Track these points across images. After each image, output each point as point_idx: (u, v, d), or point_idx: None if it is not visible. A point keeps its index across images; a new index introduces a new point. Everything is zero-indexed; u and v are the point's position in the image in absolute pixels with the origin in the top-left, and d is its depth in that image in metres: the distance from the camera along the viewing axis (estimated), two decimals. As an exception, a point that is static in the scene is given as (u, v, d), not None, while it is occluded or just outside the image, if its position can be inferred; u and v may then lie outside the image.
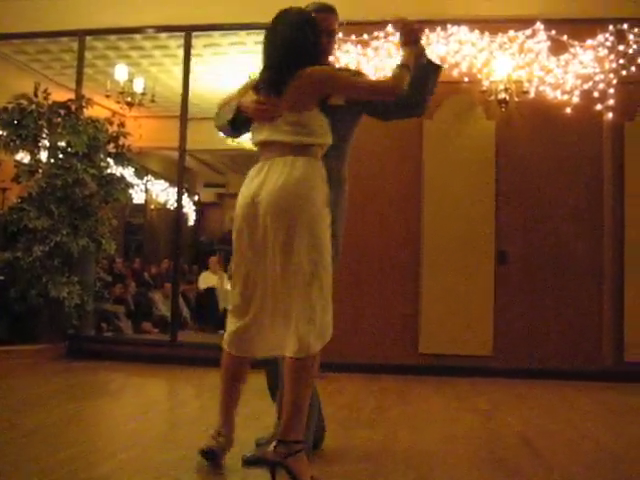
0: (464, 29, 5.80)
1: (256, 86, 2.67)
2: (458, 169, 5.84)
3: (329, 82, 2.63)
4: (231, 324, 2.67)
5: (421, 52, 2.76)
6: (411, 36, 2.72)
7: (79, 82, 6.65)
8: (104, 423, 3.77)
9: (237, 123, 2.70)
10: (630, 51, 5.64)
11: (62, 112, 6.09)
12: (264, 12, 6.07)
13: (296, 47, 2.58)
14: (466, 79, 5.76)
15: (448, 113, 5.89)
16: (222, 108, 2.81)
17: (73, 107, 6.15)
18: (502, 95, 5.74)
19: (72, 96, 6.43)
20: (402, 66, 2.63)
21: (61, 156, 5.97)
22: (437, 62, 2.89)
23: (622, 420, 4.02)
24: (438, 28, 5.80)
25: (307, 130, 2.55)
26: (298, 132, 2.54)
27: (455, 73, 5.71)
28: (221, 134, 3.02)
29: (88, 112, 6.29)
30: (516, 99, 5.74)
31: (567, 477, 2.66)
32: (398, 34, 2.80)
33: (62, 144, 5.97)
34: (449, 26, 5.81)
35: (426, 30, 5.59)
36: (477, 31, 5.80)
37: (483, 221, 5.82)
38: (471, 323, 5.73)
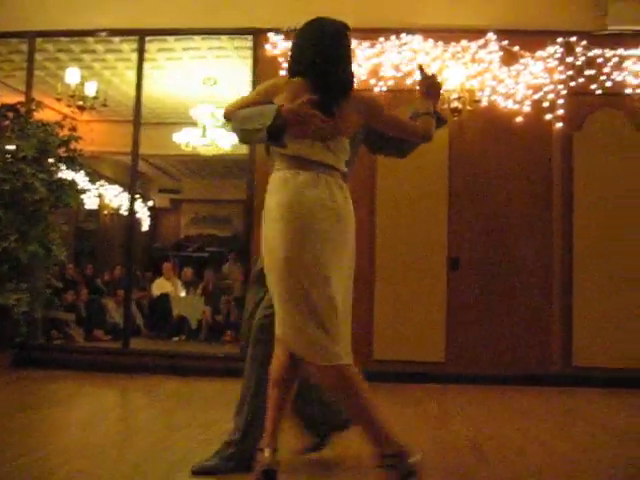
0: (418, 38, 5.88)
1: (293, 95, 2.53)
2: (411, 176, 5.88)
3: (377, 114, 2.66)
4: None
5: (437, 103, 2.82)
6: (436, 89, 2.78)
7: (29, 85, 6.51)
8: (55, 432, 3.70)
9: (274, 129, 2.45)
10: (578, 63, 5.78)
11: (11, 115, 5.96)
12: (219, 18, 6.16)
13: (346, 63, 2.63)
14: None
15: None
16: (243, 113, 2.60)
17: (22, 110, 6.02)
18: (455, 104, 5.82)
19: (22, 99, 6.30)
20: (429, 114, 2.70)
21: (10, 160, 5.83)
22: (444, 117, 2.94)
23: (571, 424, 4.09)
24: (393, 37, 5.87)
25: (335, 155, 2.54)
26: (330, 155, 2.53)
27: (409, 82, 5.77)
28: (235, 139, 2.81)
29: (38, 115, 6.16)
30: (469, 108, 5.82)
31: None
32: (421, 83, 2.82)
33: (10, 148, 5.83)
34: (403, 35, 5.87)
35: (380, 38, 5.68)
36: (431, 40, 5.88)
37: (436, 227, 5.88)
38: (424, 329, 5.79)
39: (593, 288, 5.76)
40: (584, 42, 5.78)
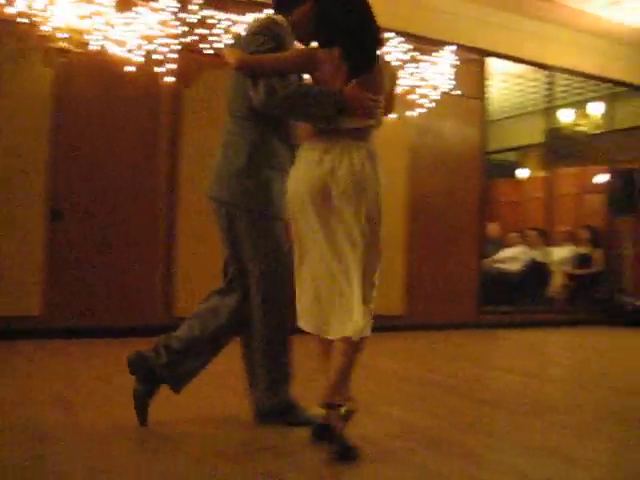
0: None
1: (335, 68, 2.58)
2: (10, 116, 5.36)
3: (394, 82, 2.84)
4: None
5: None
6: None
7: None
8: None
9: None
10: (192, 20, 5.78)
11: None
12: None
13: (376, 28, 2.66)
14: (25, 20, 5.23)
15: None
16: (298, 90, 2.59)
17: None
18: (62, 43, 5.38)
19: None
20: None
21: None
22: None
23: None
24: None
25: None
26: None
27: (14, 11, 5.14)
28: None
29: None
30: (77, 50, 5.44)
31: None
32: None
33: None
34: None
35: None
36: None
37: (36, 177, 5.48)
38: (18, 281, 5.44)
39: (193, 238, 5.99)
40: (200, 0, 5.79)
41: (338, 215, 2.56)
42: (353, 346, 2.51)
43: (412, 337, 6.51)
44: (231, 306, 2.90)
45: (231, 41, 3.12)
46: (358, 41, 2.61)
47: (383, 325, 6.65)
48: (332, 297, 2.58)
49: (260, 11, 6.04)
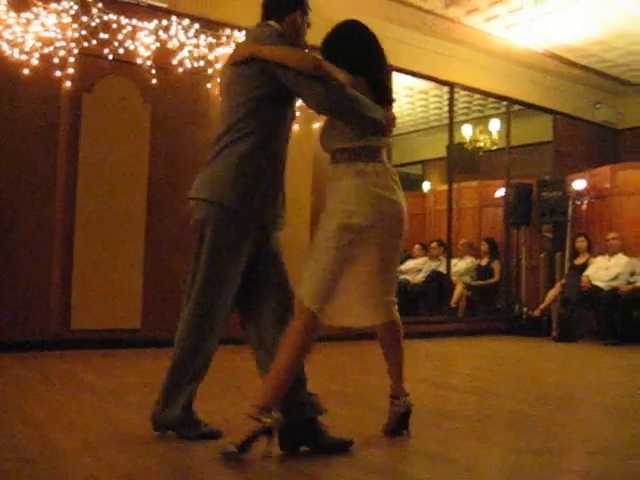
0: None
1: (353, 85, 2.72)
2: None
3: None
4: None
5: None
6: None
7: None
8: None
9: None
10: (93, 24, 5.64)
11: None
12: None
13: None
14: None
15: None
16: (361, 98, 2.71)
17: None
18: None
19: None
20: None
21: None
22: None
23: (45, 390, 4.07)
24: None
25: None
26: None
27: None
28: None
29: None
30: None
31: None
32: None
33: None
34: None
35: None
36: None
37: None
38: None
39: (93, 252, 5.83)
40: (100, 4, 5.66)
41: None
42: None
43: (320, 348, 6.51)
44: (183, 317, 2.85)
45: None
46: (382, 76, 2.88)
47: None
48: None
49: (166, 17, 6.00)
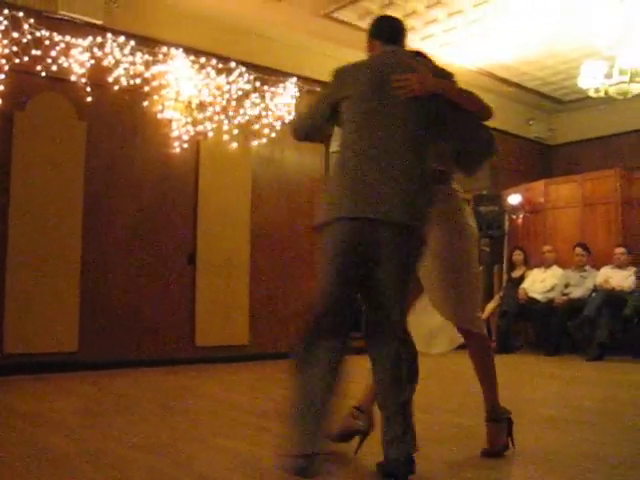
0: None
1: None
2: None
3: None
4: None
5: None
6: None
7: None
8: None
9: None
10: (24, 40, 5.52)
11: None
12: None
13: None
14: None
15: None
16: None
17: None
18: None
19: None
20: None
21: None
22: None
23: None
24: None
25: None
26: None
27: None
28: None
29: None
30: None
31: None
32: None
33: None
34: None
35: None
36: None
37: None
38: None
39: (26, 274, 5.66)
40: (32, 20, 5.55)
41: None
42: None
43: (256, 367, 6.48)
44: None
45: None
46: None
47: (227, 355, 6.64)
48: None
49: (100, 34, 5.92)
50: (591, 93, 7.19)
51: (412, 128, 2.61)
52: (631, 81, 6.85)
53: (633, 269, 7.81)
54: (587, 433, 3.55)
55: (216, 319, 6.69)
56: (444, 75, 2.79)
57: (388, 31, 2.87)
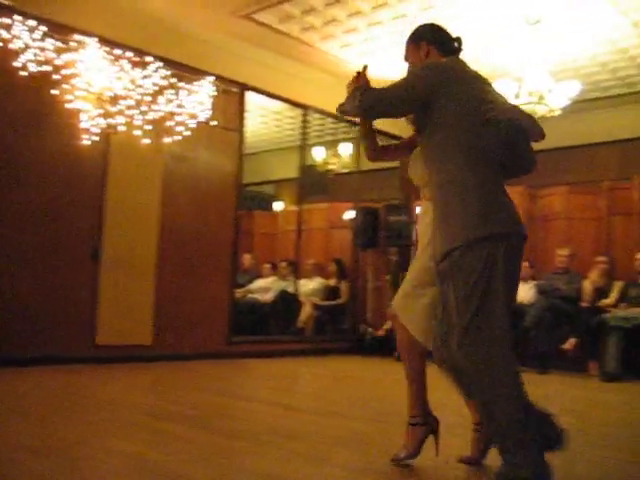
0: None
1: None
2: None
3: None
4: None
5: None
6: None
7: None
8: None
9: None
10: None
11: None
12: None
13: None
14: None
15: None
16: None
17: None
18: None
19: None
20: None
21: None
22: None
23: None
24: None
25: None
26: None
27: None
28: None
29: None
30: None
31: None
32: None
33: None
34: None
35: None
36: None
37: None
38: None
39: None
40: None
41: None
42: None
43: (159, 368, 6.35)
44: None
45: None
46: None
47: (130, 355, 6.47)
48: None
49: (8, 16, 5.67)
50: (502, 111, 7.40)
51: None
52: (539, 102, 7.12)
53: (533, 282, 8.10)
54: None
55: (119, 317, 6.51)
56: None
57: (447, 41, 2.94)
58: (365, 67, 3.01)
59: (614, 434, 4.07)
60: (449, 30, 3.02)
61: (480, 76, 2.79)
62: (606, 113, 9.24)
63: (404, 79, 2.82)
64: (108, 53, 6.32)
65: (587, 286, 7.67)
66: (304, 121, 8.82)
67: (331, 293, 9.57)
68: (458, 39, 2.94)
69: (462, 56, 2.93)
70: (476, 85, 2.71)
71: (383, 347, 8.86)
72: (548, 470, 2.38)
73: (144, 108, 6.56)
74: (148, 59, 6.57)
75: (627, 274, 7.73)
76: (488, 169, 2.59)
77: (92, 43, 6.20)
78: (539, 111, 7.11)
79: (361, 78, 2.93)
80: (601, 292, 7.64)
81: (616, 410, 5.18)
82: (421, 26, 3.03)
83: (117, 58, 6.38)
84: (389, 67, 8.66)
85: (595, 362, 7.26)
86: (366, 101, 2.76)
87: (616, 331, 7.03)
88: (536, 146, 2.69)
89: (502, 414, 2.41)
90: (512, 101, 7.23)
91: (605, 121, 9.23)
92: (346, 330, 9.49)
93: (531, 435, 2.38)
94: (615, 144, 9.24)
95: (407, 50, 3.03)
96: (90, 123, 6.24)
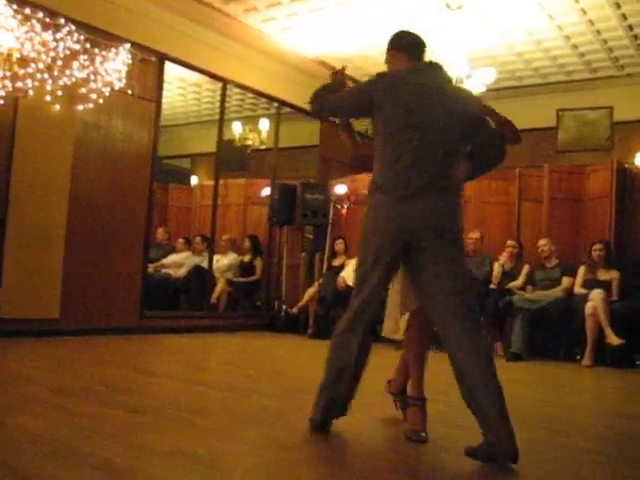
0: None
1: None
2: None
3: None
4: None
5: None
6: None
7: None
8: None
9: None
10: None
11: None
12: None
13: None
14: None
15: None
16: None
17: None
18: None
19: None
20: None
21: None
22: None
23: None
24: None
25: None
26: None
27: None
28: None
29: None
30: None
31: None
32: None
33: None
34: None
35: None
36: None
37: None
38: None
39: None
40: None
41: None
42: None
43: (67, 342, 6.18)
44: None
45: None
46: None
47: (36, 329, 6.27)
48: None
49: None
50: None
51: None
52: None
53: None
54: (388, 413, 3.71)
55: (24, 290, 6.27)
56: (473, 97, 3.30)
57: (414, 45, 3.29)
58: (344, 67, 3.45)
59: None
60: (415, 32, 3.38)
61: (426, 82, 3.10)
62: (519, 102, 9.52)
63: (353, 87, 3.38)
64: (17, 12, 6.01)
65: (497, 269, 7.90)
66: (223, 95, 8.69)
67: (245, 269, 9.52)
68: (421, 44, 3.30)
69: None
70: (407, 93, 3.03)
71: (297, 324, 8.91)
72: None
73: (56, 73, 6.30)
74: (61, 21, 6.30)
75: (534, 259, 8.01)
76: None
77: None
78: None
79: (338, 76, 3.36)
80: (509, 275, 7.89)
81: (524, 387, 5.38)
82: (394, 34, 3.39)
83: (27, 18, 6.08)
84: (310, 43, 8.66)
85: (501, 343, 7.52)
86: (317, 103, 3.24)
87: (521, 312, 7.29)
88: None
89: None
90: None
91: (518, 110, 9.49)
92: (260, 307, 9.48)
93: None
94: (527, 133, 9.53)
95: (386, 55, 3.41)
96: (-4, 85, 5.95)
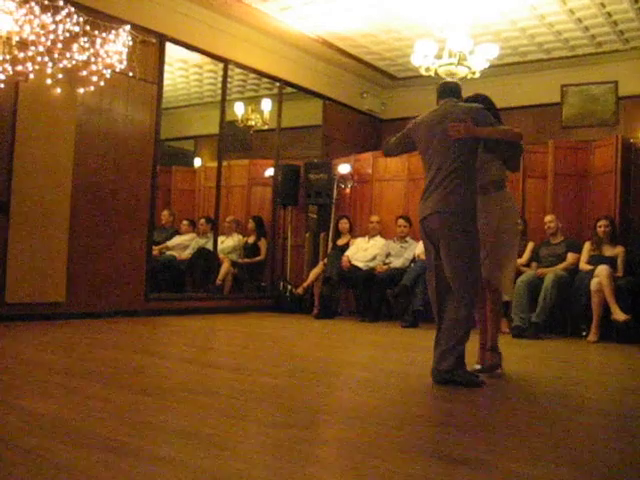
0: None
1: None
2: None
3: None
4: None
5: None
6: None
7: None
8: None
9: None
10: None
11: None
12: None
13: None
14: None
15: None
16: None
17: None
18: None
19: None
20: None
21: None
22: None
23: None
24: None
25: None
26: None
27: None
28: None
29: None
30: None
31: None
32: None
33: None
34: None
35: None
36: None
37: None
38: None
39: None
40: None
41: None
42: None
43: (73, 325, 6.20)
44: None
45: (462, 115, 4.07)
46: None
47: (42, 313, 6.29)
48: None
49: None
50: (422, 71, 7.47)
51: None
52: (459, 64, 7.19)
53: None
54: (394, 394, 3.72)
55: (30, 274, 6.29)
56: (485, 115, 4.12)
57: (441, 90, 4.31)
58: None
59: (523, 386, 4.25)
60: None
61: (435, 117, 4.19)
62: (523, 78, 9.45)
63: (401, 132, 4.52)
64: (15, -5, 5.97)
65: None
66: (225, 76, 8.64)
67: (250, 250, 9.53)
68: (447, 89, 4.30)
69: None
70: (422, 130, 4.24)
71: (302, 305, 8.93)
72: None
73: (56, 56, 6.26)
74: (60, 3, 6.25)
75: (539, 235, 7.99)
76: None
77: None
78: (460, 72, 7.19)
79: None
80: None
81: (530, 364, 5.38)
82: None
83: (25, 0, 6.04)
84: (309, 24, 8.59)
85: (506, 320, 7.53)
86: (385, 146, 4.71)
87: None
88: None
89: None
90: (432, 61, 7.30)
91: (522, 86, 9.44)
92: (265, 288, 9.49)
93: None
94: (531, 109, 9.48)
95: None
96: (-4, 69, 5.92)
